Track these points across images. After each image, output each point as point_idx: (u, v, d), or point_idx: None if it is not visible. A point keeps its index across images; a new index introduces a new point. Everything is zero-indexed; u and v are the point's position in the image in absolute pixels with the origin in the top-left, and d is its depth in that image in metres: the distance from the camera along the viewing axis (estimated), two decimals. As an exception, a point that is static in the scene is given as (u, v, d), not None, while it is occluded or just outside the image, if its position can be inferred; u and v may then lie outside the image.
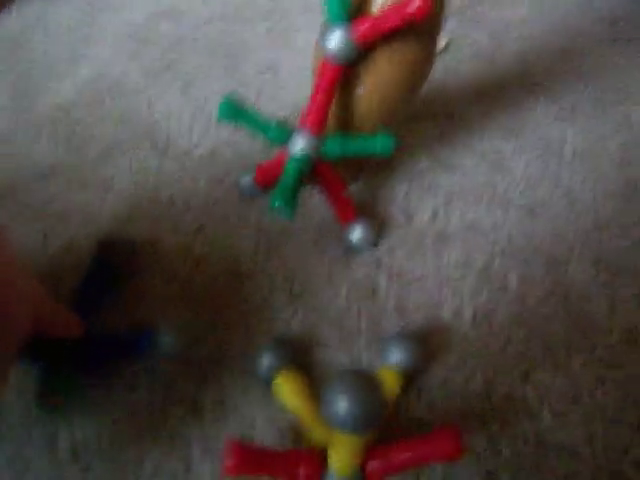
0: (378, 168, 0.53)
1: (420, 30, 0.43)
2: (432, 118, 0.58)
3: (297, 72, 0.63)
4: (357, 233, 0.46)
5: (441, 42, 0.67)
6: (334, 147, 0.44)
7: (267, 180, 0.49)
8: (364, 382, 0.29)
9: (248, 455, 0.32)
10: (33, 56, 0.65)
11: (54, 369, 0.38)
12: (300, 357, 0.41)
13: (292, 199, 0.41)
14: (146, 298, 0.44)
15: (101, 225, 0.49)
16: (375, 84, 0.44)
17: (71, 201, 0.50)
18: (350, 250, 0.47)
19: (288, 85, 0.61)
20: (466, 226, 0.49)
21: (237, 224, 0.48)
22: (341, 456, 0.33)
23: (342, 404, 0.28)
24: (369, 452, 0.33)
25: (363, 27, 0.40)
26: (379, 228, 0.48)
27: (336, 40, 0.40)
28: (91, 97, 0.60)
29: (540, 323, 0.43)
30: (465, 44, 0.68)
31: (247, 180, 0.49)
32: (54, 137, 0.56)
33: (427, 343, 0.42)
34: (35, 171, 0.53)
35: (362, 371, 0.30)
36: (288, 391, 0.38)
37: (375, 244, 0.47)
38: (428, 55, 0.45)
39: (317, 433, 0.36)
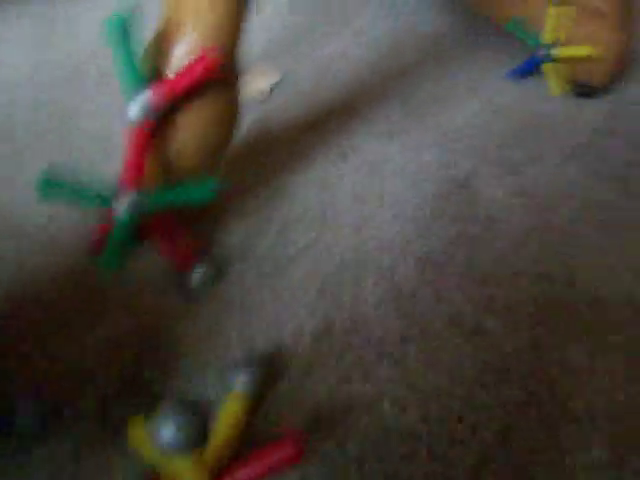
0: (215, 210, 0.57)
1: (217, 81, 0.47)
2: (266, 149, 0.63)
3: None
4: (197, 275, 0.49)
5: (266, 85, 0.73)
6: (157, 202, 0.47)
7: (101, 247, 0.50)
8: (186, 410, 0.32)
9: None
10: None
11: None
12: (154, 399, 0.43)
13: (117, 260, 0.44)
14: None
15: None
16: (183, 140, 0.48)
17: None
18: (190, 294, 0.50)
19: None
20: (302, 251, 0.53)
21: (74, 293, 0.50)
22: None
23: (163, 429, 0.31)
24: (215, 474, 0.35)
25: (159, 90, 0.43)
26: (217, 267, 0.51)
27: (135, 109, 0.44)
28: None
29: (375, 327, 0.47)
30: (291, 81, 0.74)
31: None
32: None
33: (271, 365, 0.45)
34: None
35: (181, 401, 0.32)
36: (136, 436, 0.39)
37: (216, 282, 0.50)
38: (230, 105, 0.49)
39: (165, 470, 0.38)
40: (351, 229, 0.55)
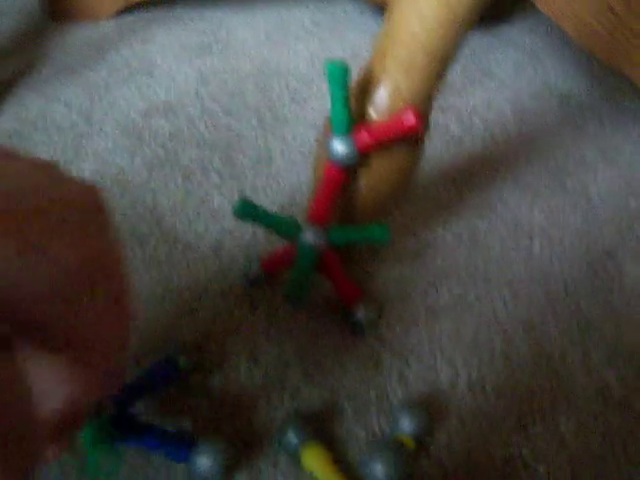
0: (372, 253, 0.59)
1: (413, 137, 0.50)
2: (413, 203, 0.65)
3: (289, 163, 0.69)
4: (361, 313, 0.52)
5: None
6: (339, 237, 0.50)
7: (275, 268, 0.54)
8: (397, 448, 0.34)
9: None
10: (38, 154, 0.69)
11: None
12: (321, 430, 0.45)
13: (304, 288, 0.46)
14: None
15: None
16: (371, 180, 0.51)
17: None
18: (355, 329, 0.52)
19: (281, 175, 0.68)
20: (454, 301, 0.55)
21: (249, 309, 0.53)
22: None
23: (380, 466, 0.33)
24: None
25: (364, 138, 0.46)
26: (379, 308, 0.54)
27: (341, 149, 0.47)
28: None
29: (526, 383, 0.49)
30: (435, 132, 0.76)
31: (255, 269, 0.54)
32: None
33: (430, 410, 0.47)
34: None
35: (393, 439, 0.35)
36: (316, 463, 0.42)
37: (376, 322, 0.53)
38: (416, 156, 0.52)
39: None
40: (502, 286, 0.57)
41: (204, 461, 0.41)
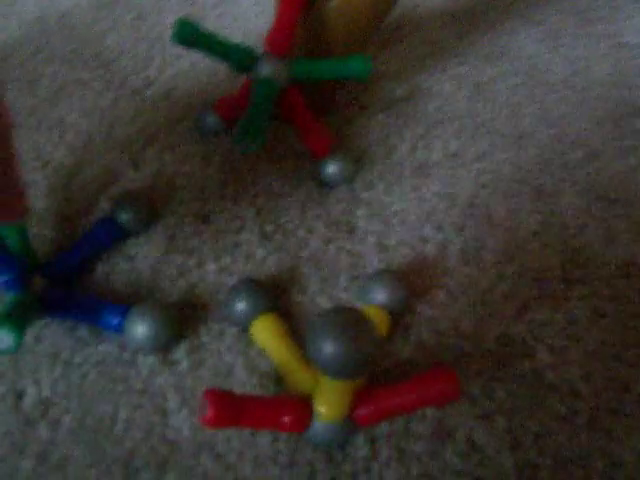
0: (351, 98, 0.47)
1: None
2: (406, 43, 0.52)
3: (256, 2, 0.56)
4: (332, 167, 0.41)
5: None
6: (304, 69, 0.38)
7: (231, 114, 0.42)
8: (354, 320, 0.24)
9: (228, 404, 0.27)
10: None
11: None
12: (276, 300, 0.36)
13: (259, 129, 0.35)
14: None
15: (57, 165, 0.42)
16: (340, 3, 0.38)
17: (26, 142, 0.44)
18: (325, 186, 0.42)
19: (246, 14, 0.54)
20: (448, 157, 0.44)
21: (202, 163, 0.43)
22: (329, 402, 0.28)
23: (331, 346, 0.23)
24: (357, 397, 0.28)
25: None
26: (356, 161, 0.42)
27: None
28: (39, 34, 0.52)
29: (532, 258, 0.38)
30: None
31: (210, 115, 0.43)
32: (2, 78, 0.48)
33: (412, 281, 0.37)
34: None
35: (351, 308, 0.25)
36: (267, 336, 0.32)
37: (351, 179, 0.42)
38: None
39: (300, 379, 0.31)
40: (508, 142, 0.45)
41: (138, 328, 0.32)
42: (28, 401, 0.32)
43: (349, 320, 0.24)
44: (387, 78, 0.48)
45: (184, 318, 0.35)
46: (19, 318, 0.31)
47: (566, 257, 0.39)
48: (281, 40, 0.37)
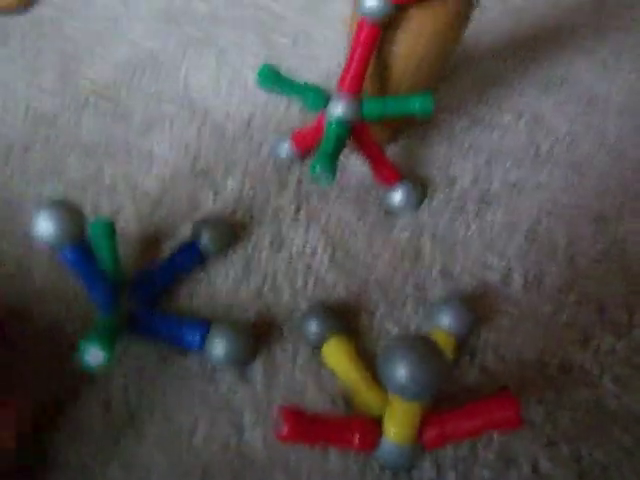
0: (415, 129, 0.47)
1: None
2: (467, 76, 0.51)
3: (328, 42, 0.56)
4: (399, 196, 0.40)
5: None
6: (373, 108, 0.38)
7: (305, 145, 0.42)
8: (426, 346, 0.24)
9: (301, 422, 0.27)
10: (73, 38, 0.59)
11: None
12: (346, 323, 0.35)
13: (333, 164, 0.35)
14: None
15: (144, 192, 0.43)
16: (412, 42, 0.37)
17: (117, 173, 0.45)
18: (391, 213, 0.41)
19: (320, 55, 0.55)
20: (509, 186, 0.43)
21: (277, 191, 0.43)
22: (399, 423, 0.27)
23: (405, 370, 0.23)
24: (426, 419, 0.28)
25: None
26: (420, 191, 0.42)
27: (373, 1, 0.34)
28: (130, 73, 0.54)
29: (594, 285, 0.37)
30: (495, 0, 0.60)
31: (285, 146, 0.43)
32: (97, 115, 0.50)
33: (476, 307, 0.36)
34: (81, 147, 0.48)
35: (423, 335, 0.24)
36: (338, 357, 0.32)
37: (417, 207, 0.41)
38: (464, 9, 0.38)
39: (370, 399, 0.31)
40: (568, 170, 0.43)
41: (217, 347, 0.32)
42: (115, 412, 0.33)
43: (422, 345, 0.24)
44: (448, 111, 0.47)
45: (260, 338, 0.35)
46: (110, 336, 0.32)
47: (628, 284, 0.37)
48: (353, 81, 0.37)
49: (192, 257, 0.38)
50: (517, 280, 0.37)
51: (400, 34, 0.37)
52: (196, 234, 0.38)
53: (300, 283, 0.37)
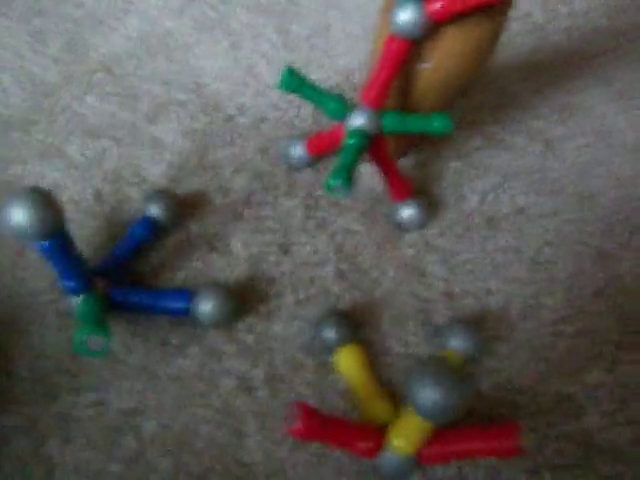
0: (428, 144, 0.49)
1: (492, 6, 0.38)
2: (483, 94, 0.53)
3: (347, 37, 0.57)
4: (408, 211, 0.42)
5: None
6: (394, 123, 0.39)
7: (319, 151, 0.44)
8: (456, 374, 0.26)
9: (316, 419, 0.29)
10: (83, 6, 0.59)
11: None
12: (358, 333, 0.37)
13: (351, 177, 0.37)
14: (189, 255, 0.41)
15: (152, 182, 0.45)
16: (441, 59, 0.39)
17: (122, 158, 0.46)
18: (399, 228, 0.43)
19: (339, 50, 0.56)
20: (516, 211, 0.45)
21: (286, 194, 0.44)
22: (406, 437, 0.30)
23: (438, 396, 0.26)
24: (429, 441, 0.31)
25: (436, 6, 0.35)
26: (429, 208, 0.44)
27: (407, 16, 0.35)
28: (140, 51, 0.55)
29: (590, 319, 0.39)
30: (516, 17, 0.62)
31: (297, 149, 0.45)
32: (104, 92, 0.51)
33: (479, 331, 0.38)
34: (85, 127, 0.48)
35: (445, 359, 0.27)
36: (352, 366, 0.35)
37: (424, 225, 0.43)
38: (496, 31, 0.40)
39: (378, 409, 0.33)
40: (573, 201, 0.46)
41: (206, 307, 0.35)
42: (115, 410, 0.34)
43: (453, 372, 0.26)
44: (462, 127, 0.50)
45: (260, 343, 0.37)
46: (99, 319, 0.33)
47: (621, 321, 0.40)
48: (377, 95, 0.38)
49: (146, 230, 0.40)
50: (517, 307, 0.40)
51: (429, 51, 0.39)
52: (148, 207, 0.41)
53: (304, 293, 0.39)
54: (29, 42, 0.55)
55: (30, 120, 0.48)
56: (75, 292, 0.34)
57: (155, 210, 0.40)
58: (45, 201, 0.29)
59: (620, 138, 0.51)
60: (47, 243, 0.30)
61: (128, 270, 0.39)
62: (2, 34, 0.56)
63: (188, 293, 0.36)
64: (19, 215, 0.28)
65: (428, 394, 0.25)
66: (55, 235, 0.30)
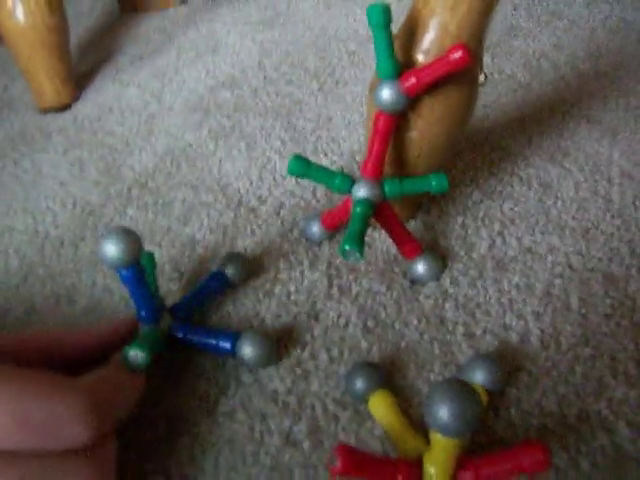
0: (433, 205, 0.55)
1: (462, 73, 0.44)
2: (477, 151, 0.60)
3: (348, 124, 0.65)
4: (422, 266, 0.48)
5: (480, 78, 0.69)
6: (393, 189, 0.46)
7: (334, 225, 0.51)
8: (465, 388, 0.30)
9: (354, 455, 0.33)
10: (114, 134, 0.70)
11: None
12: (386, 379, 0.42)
13: (360, 242, 0.43)
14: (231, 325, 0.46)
15: (189, 276, 0.52)
16: (424, 127, 0.46)
17: (164, 258, 0.53)
18: (416, 283, 0.48)
19: (341, 136, 0.64)
20: (524, 251, 0.50)
21: (309, 268, 0.51)
22: (438, 461, 0.33)
23: (447, 408, 0.29)
24: (461, 463, 0.34)
25: (410, 81, 0.42)
26: (441, 260, 0.49)
27: (387, 94, 0.42)
28: (168, 164, 0.64)
29: (606, 340, 0.43)
30: (500, 79, 0.69)
31: (315, 226, 0.52)
32: (142, 204, 0.59)
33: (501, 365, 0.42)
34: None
35: (460, 379, 0.31)
36: (384, 409, 0.39)
37: (439, 276, 0.48)
38: (470, 96, 0.47)
39: (412, 445, 0.37)
40: (577, 234, 0.51)
41: (248, 349, 0.42)
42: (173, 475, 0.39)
43: (461, 387, 0.30)
44: (463, 184, 0.56)
45: (301, 401, 0.42)
46: (150, 344, 0.40)
47: (638, 338, 0.43)
48: (374, 167, 0.45)
49: (220, 284, 0.48)
50: (535, 338, 0.44)
51: (414, 121, 0.46)
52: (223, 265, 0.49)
53: (336, 351, 0.45)
54: (69, 170, 0.65)
55: (78, 236, 0.57)
56: (144, 321, 0.42)
57: (230, 269, 0.48)
58: (122, 236, 0.38)
59: (615, 170, 0.56)
60: (125, 271, 0.39)
61: (193, 313, 0.47)
62: (45, 166, 0.66)
63: (234, 335, 0.43)
64: (105, 246, 0.38)
65: (440, 408, 0.29)
66: (131, 265, 0.38)
